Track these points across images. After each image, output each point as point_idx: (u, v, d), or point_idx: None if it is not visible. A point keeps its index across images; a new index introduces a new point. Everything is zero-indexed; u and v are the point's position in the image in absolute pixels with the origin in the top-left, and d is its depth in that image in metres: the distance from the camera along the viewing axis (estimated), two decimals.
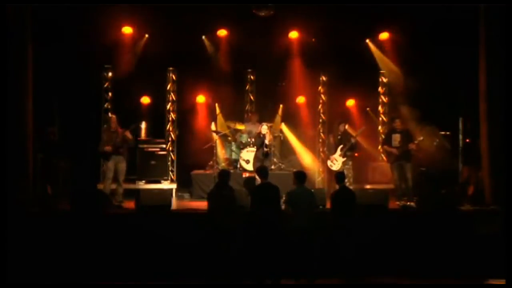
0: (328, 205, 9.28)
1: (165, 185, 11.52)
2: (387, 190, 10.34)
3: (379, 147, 12.61)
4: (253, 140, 11.78)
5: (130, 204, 9.81)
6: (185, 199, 11.56)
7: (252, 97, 13.27)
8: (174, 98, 12.69)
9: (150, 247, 8.58)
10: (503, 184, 9.23)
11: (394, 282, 8.52)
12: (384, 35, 12.39)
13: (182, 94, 12.69)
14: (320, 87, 12.92)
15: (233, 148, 12.38)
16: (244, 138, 12.13)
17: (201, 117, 12.96)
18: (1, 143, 8.63)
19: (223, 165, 12.31)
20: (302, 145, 12.92)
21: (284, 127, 13.04)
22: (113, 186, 10.30)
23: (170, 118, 12.67)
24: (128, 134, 10.31)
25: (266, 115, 12.66)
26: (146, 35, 12.14)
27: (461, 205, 9.77)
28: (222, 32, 12.44)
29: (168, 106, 12.68)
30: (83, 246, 8.50)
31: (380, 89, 13.06)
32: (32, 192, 9.72)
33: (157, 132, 12.50)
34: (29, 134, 9.62)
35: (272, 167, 11.56)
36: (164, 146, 12.08)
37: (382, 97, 13.03)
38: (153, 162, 11.72)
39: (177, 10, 11.16)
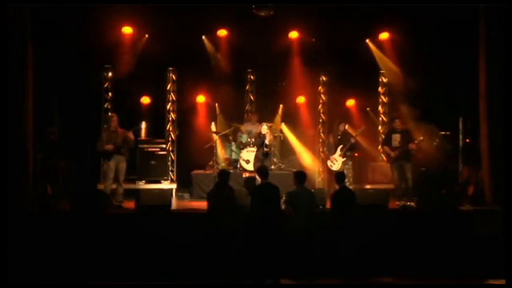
0: (328, 205, 9.28)
1: (165, 185, 11.52)
2: (387, 190, 10.34)
3: (379, 147, 12.61)
4: (253, 140, 11.79)
5: (130, 204, 9.81)
6: (185, 199, 11.56)
7: (252, 97, 13.27)
8: (174, 98, 12.69)
9: (150, 247, 8.57)
10: (503, 184, 9.23)
11: (394, 282, 8.52)
12: (384, 35, 12.39)
13: (182, 94, 12.69)
14: (320, 87, 12.92)
15: (233, 148, 12.38)
16: (244, 138, 12.14)
17: (201, 117, 12.97)
18: (1, 143, 8.63)
19: (223, 165, 12.31)
20: (302, 145, 12.92)
21: (284, 127, 13.04)
22: (113, 186, 10.29)
23: (170, 118, 12.67)
24: (131, 135, 10.30)
25: (266, 115, 12.66)
26: (146, 35, 12.14)
27: (461, 205, 9.76)
28: (222, 32, 12.44)
29: (168, 106, 12.68)
30: (83, 246, 8.50)
31: (380, 89, 13.06)
32: (32, 192, 9.72)
33: (157, 132, 12.50)
34: (29, 134, 9.62)
35: (272, 167, 11.56)
36: (164, 146, 12.08)
37: (382, 97, 13.03)
38: (153, 162, 11.72)
39: (177, 10, 11.17)
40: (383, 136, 12.24)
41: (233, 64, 12.49)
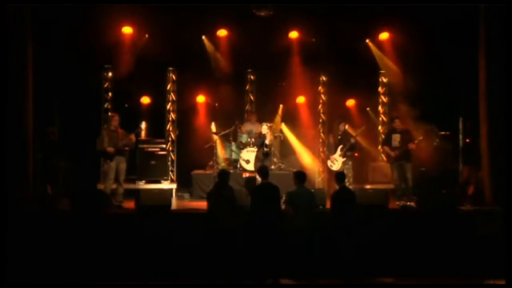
0: (328, 205, 9.28)
1: (165, 185, 11.52)
2: (387, 190, 10.35)
3: (379, 147, 12.61)
4: (253, 140, 11.79)
5: (130, 204, 9.81)
6: (185, 199, 11.56)
7: (252, 97, 13.27)
8: (174, 98, 12.69)
9: (150, 247, 8.57)
10: (503, 184, 9.23)
11: (394, 282, 8.52)
12: (384, 35, 12.39)
13: (182, 94, 12.69)
14: (320, 87, 12.92)
15: (233, 148, 12.38)
16: (244, 138, 12.14)
17: (201, 117, 12.98)
18: (1, 143, 8.63)
19: (223, 165, 12.31)
20: (302, 145, 12.92)
21: (284, 127, 13.05)
22: (113, 186, 10.29)
23: (170, 118, 12.67)
24: (133, 138, 10.30)
25: (266, 115, 12.66)
26: (146, 35, 12.13)
27: (461, 205, 9.76)
28: (222, 32, 12.43)
29: (168, 106, 12.68)
30: (83, 246, 8.50)
31: (380, 89, 13.06)
32: (32, 192, 9.71)
33: (157, 132, 12.50)
34: (29, 134, 9.61)
35: (272, 167, 11.57)
36: (164, 146, 12.08)
37: (382, 97, 13.03)
38: (153, 162, 11.73)
39: (177, 10, 11.16)
40: (383, 136, 12.24)
41: (233, 64, 12.49)
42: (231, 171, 11.45)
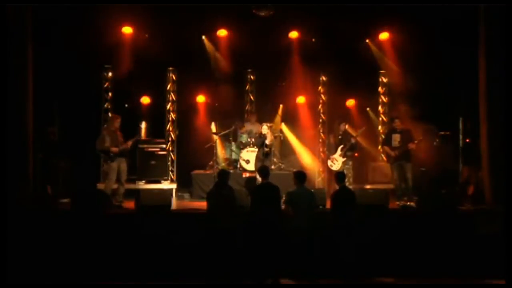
0: (328, 205, 9.28)
1: (165, 185, 11.52)
2: (387, 190, 10.34)
3: (379, 147, 12.61)
4: (253, 140, 11.79)
5: (130, 204, 9.81)
6: (185, 199, 11.57)
7: (252, 97, 13.27)
8: (174, 98, 12.69)
9: (150, 247, 8.57)
10: (503, 184, 9.23)
11: (394, 282, 8.52)
12: (384, 35, 12.39)
13: (182, 94, 12.69)
14: (320, 87, 12.93)
15: (233, 148, 12.38)
16: (244, 138, 12.14)
17: (201, 117, 12.98)
18: (1, 143, 8.63)
19: (223, 165, 12.32)
20: (302, 145, 12.92)
21: (284, 127, 13.05)
22: (114, 186, 10.29)
23: (170, 118, 12.67)
24: (129, 144, 10.29)
25: (266, 115, 12.66)
26: (146, 35, 12.13)
27: (461, 205, 9.76)
28: (222, 32, 12.43)
29: (168, 106, 12.68)
30: (83, 246, 8.50)
31: (380, 89, 13.06)
32: (32, 192, 9.71)
33: (157, 132, 12.51)
34: (29, 134, 9.61)
35: (272, 167, 11.56)
36: (164, 146, 12.08)
37: (382, 97, 13.03)
38: (153, 162, 11.73)
39: (177, 10, 11.16)
40: (383, 136, 12.24)
41: (233, 64, 12.48)
42: (231, 171, 11.46)
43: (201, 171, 12.08)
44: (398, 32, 12.10)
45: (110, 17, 11.01)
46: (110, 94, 12.38)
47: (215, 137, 11.92)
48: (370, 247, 8.56)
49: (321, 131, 12.90)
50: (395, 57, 12.34)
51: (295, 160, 12.77)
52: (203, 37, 12.57)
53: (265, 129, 10.82)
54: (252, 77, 13.24)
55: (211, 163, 12.00)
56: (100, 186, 11.04)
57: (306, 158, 12.78)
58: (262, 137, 10.82)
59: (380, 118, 13.02)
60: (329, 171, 11.53)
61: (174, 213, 9.49)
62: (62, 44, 10.96)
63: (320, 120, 12.92)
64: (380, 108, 13.06)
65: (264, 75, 12.97)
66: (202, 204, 9.19)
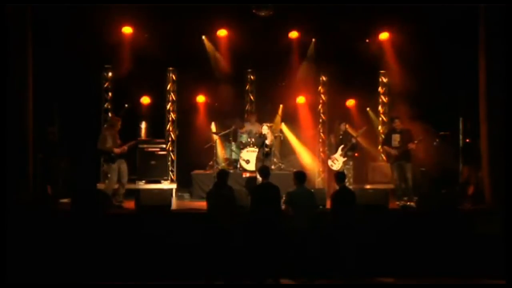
0: (328, 205, 9.28)
1: (165, 185, 11.52)
2: (387, 190, 10.34)
3: (379, 147, 12.61)
4: (253, 140, 11.79)
5: (130, 204, 9.80)
6: (185, 199, 11.56)
7: (252, 97, 13.27)
8: (174, 98, 12.69)
9: (150, 247, 8.57)
10: (503, 184, 9.23)
11: (394, 282, 8.52)
12: (384, 35, 12.39)
13: (182, 94, 12.70)
14: (320, 87, 12.92)
15: (233, 148, 12.38)
16: (244, 138, 12.14)
17: (201, 117, 12.98)
18: (1, 143, 8.64)
19: (223, 165, 12.32)
20: (302, 145, 12.92)
21: (284, 127, 13.05)
22: (115, 186, 10.29)
23: (170, 118, 12.67)
24: (126, 148, 10.27)
25: (266, 115, 12.66)
26: (146, 35, 12.13)
27: (461, 205, 9.76)
28: (222, 32, 12.43)
29: (168, 106, 12.68)
30: (83, 246, 8.50)
31: (380, 89, 13.06)
32: (32, 192, 9.71)
33: (157, 132, 12.51)
34: (29, 134, 9.61)
35: (272, 167, 11.56)
36: (164, 146, 12.08)
37: (382, 97, 13.03)
38: (153, 162, 11.73)
39: (177, 10, 11.16)
40: (383, 136, 12.24)
41: (233, 64, 12.49)
42: (231, 171, 11.48)
43: (201, 171, 12.07)
44: (398, 32, 12.10)
45: (110, 17, 11.02)
46: (110, 94, 12.38)
47: (215, 137, 11.92)
48: (370, 247, 8.56)
49: (321, 131, 12.90)
50: (395, 57, 12.33)
51: (295, 160, 12.77)
52: (203, 37, 12.57)
53: (265, 129, 10.82)
54: (252, 77, 13.24)
55: (211, 163, 12.00)
56: (100, 186, 11.05)
57: (306, 158, 12.78)
58: (262, 137, 10.81)
59: (380, 118, 13.02)
60: (329, 171, 11.53)
61: (174, 213, 9.49)
62: (62, 44, 10.96)
63: (320, 120, 12.92)
64: (380, 108, 13.06)
65: (264, 75, 12.96)
66: (202, 204, 9.19)
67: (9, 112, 8.95)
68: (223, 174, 8.53)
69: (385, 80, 12.99)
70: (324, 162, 12.41)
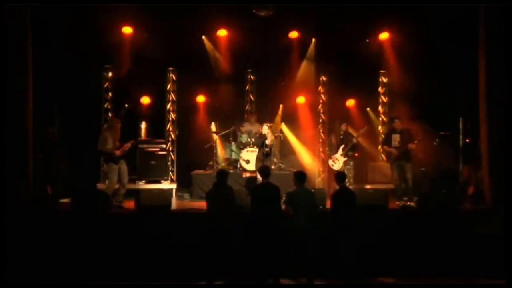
0: (328, 205, 9.28)
1: (165, 185, 11.53)
2: (387, 190, 10.34)
3: (379, 147, 12.61)
4: (253, 140, 11.79)
5: (130, 204, 9.81)
6: (185, 199, 11.56)
7: (252, 97, 13.27)
8: (174, 98, 12.70)
9: (150, 247, 8.57)
10: (503, 184, 9.23)
11: (394, 282, 8.52)
12: (384, 35, 12.39)
13: (182, 94, 12.70)
14: (320, 87, 12.93)
15: (233, 148, 12.38)
16: (244, 138, 12.14)
17: (201, 117, 12.98)
18: (1, 143, 8.63)
19: (223, 165, 12.32)
20: (302, 145, 12.92)
21: (284, 127, 13.05)
22: (116, 186, 10.29)
23: (170, 118, 12.68)
24: (126, 147, 10.29)
25: (266, 115, 12.67)
26: (146, 35, 12.13)
27: (461, 205, 9.76)
28: (222, 32, 12.43)
29: (168, 106, 12.69)
30: (84, 246, 8.50)
31: (380, 89, 13.06)
32: (32, 192, 9.71)
33: (157, 132, 12.51)
34: (29, 134, 9.61)
35: (272, 167, 11.56)
36: (164, 146, 12.09)
37: (382, 97, 13.03)
38: (153, 162, 11.73)
39: (177, 10, 11.16)
40: (383, 136, 12.24)
41: (233, 64, 12.49)
42: (231, 171, 11.48)
43: (201, 171, 12.08)
44: (398, 32, 12.10)
45: (110, 17, 11.02)
46: (110, 94, 12.39)
47: (215, 137, 11.92)
48: (370, 247, 8.56)
49: (321, 131, 12.89)
50: (395, 57, 12.33)
51: (295, 160, 12.77)
52: (203, 37, 12.57)
53: (265, 129, 10.82)
54: (252, 77, 13.24)
55: (211, 163, 12.00)
56: (101, 186, 11.05)
57: (306, 158, 12.78)
58: (262, 137, 10.81)
59: (380, 118, 13.02)
60: (329, 171, 11.54)
61: (174, 213, 9.49)
62: (62, 44, 10.96)
63: (320, 120, 12.92)
64: (380, 108, 13.06)
65: (264, 75, 12.97)
66: (202, 204, 9.18)
67: (9, 112, 8.95)
68: (222, 174, 8.53)
69: (385, 80, 13.00)
70: (324, 162, 12.42)
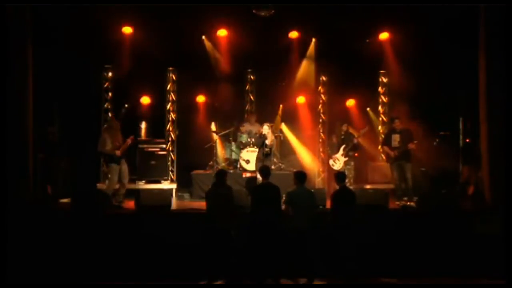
0: (328, 205, 9.28)
1: (165, 185, 11.53)
2: (387, 190, 10.35)
3: (379, 147, 12.61)
4: (253, 140, 11.79)
5: (130, 204, 9.81)
6: (185, 199, 11.56)
7: (252, 97, 13.27)
8: (174, 98, 12.70)
9: (150, 247, 8.57)
10: (503, 184, 9.23)
11: (394, 282, 8.51)
12: (384, 35, 12.39)
13: (182, 94, 12.70)
14: (320, 87, 12.93)
15: (233, 148, 12.38)
16: (244, 138, 12.14)
17: (201, 117, 12.99)
18: (1, 143, 8.63)
19: (223, 165, 12.32)
20: (302, 145, 12.92)
21: (284, 127, 13.06)
22: (116, 186, 10.30)
23: (170, 118, 12.68)
24: (129, 143, 10.29)
25: (266, 115, 12.67)
26: (146, 35, 12.12)
27: (461, 205, 9.76)
28: (222, 32, 12.43)
29: (168, 106, 12.69)
30: (83, 246, 8.50)
31: (380, 89, 13.06)
32: (32, 192, 9.71)
33: (157, 132, 12.51)
34: (29, 134, 9.61)
35: (272, 167, 11.56)
36: (164, 146, 12.09)
37: (382, 97, 13.03)
38: (153, 162, 11.74)
39: (177, 10, 11.16)
40: (383, 136, 12.24)
41: (233, 64, 12.49)
42: (231, 171, 11.49)
43: (201, 171, 12.07)
44: (398, 32, 12.10)
45: (110, 17, 11.01)
46: (110, 94, 12.39)
47: (215, 137, 11.92)
48: (370, 247, 8.56)
49: (321, 131, 12.90)
50: (395, 57, 12.33)
51: (295, 160, 12.77)
52: (203, 37, 12.57)
53: (266, 129, 10.81)
54: (252, 77, 13.24)
55: (211, 163, 12.01)
56: (101, 186, 11.05)
57: (306, 158, 12.79)
58: (262, 137, 10.81)
59: (380, 118, 13.02)
60: (329, 171, 11.54)
61: (174, 213, 9.49)
62: (62, 44, 10.96)
63: (320, 120, 12.92)
64: (380, 108, 13.06)
65: (264, 75, 12.97)
66: (202, 204, 9.17)
67: (9, 112, 8.95)
68: (221, 174, 8.54)
69: (385, 80, 13.00)
70: (324, 162, 12.42)
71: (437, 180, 11.11)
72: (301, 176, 8.47)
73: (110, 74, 12.38)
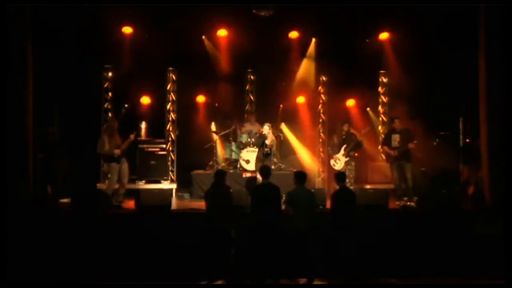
0: (328, 205, 9.28)
1: (165, 185, 11.53)
2: (387, 190, 10.33)
3: (379, 147, 12.61)
4: (253, 140, 11.79)
5: (130, 204, 9.81)
6: (185, 199, 11.56)
7: (252, 97, 13.27)
8: (174, 98, 12.70)
9: (150, 247, 8.57)
10: (503, 184, 9.23)
11: (394, 282, 8.51)
12: (384, 35, 12.39)
13: (182, 94, 12.70)
14: (320, 87, 12.93)
15: (233, 148, 12.38)
16: (244, 138, 12.14)
17: (201, 117, 12.99)
18: (1, 143, 8.63)
19: (223, 165, 12.32)
20: (302, 145, 12.92)
21: (284, 127, 13.05)
22: (116, 186, 10.30)
23: (170, 118, 12.68)
24: (132, 137, 10.29)
25: (266, 115, 12.67)
26: (146, 35, 12.12)
27: (461, 205, 9.76)
28: (222, 32, 12.44)
29: (168, 106, 12.69)
30: (83, 246, 8.49)
31: (380, 89, 13.06)
32: (32, 192, 9.71)
33: (157, 132, 12.51)
34: (29, 134, 9.61)
35: (272, 167, 11.55)
36: (164, 146, 12.09)
37: (382, 97, 13.03)
38: (153, 162, 11.74)
39: (177, 10, 11.16)
40: (383, 136, 12.24)
41: (233, 64, 12.49)
42: (231, 171, 11.48)
43: (201, 171, 12.07)
44: (398, 32, 12.11)
45: (110, 17, 11.02)
46: (110, 94, 12.39)
47: (215, 137, 11.92)
48: (370, 247, 8.56)
49: (321, 131, 12.90)
50: (395, 57, 12.33)
51: (295, 160, 12.77)
52: (203, 37, 12.57)
53: (266, 129, 10.81)
54: (252, 77, 13.24)
55: (211, 163, 12.01)
56: (101, 186, 11.05)
57: (306, 158, 12.79)
58: (262, 137, 10.81)
59: (380, 118, 13.02)
60: (329, 171, 11.54)
61: (174, 213, 9.49)
62: (62, 44, 10.96)
63: (320, 120, 12.93)
64: (380, 108, 13.06)
65: (264, 75, 12.97)
66: (202, 204, 9.14)
67: (9, 112, 8.95)
68: (220, 174, 8.54)
69: (385, 80, 13.00)
70: (324, 162, 12.42)
71: (437, 180, 11.11)
72: (301, 176, 8.46)
73: (110, 74, 12.38)
